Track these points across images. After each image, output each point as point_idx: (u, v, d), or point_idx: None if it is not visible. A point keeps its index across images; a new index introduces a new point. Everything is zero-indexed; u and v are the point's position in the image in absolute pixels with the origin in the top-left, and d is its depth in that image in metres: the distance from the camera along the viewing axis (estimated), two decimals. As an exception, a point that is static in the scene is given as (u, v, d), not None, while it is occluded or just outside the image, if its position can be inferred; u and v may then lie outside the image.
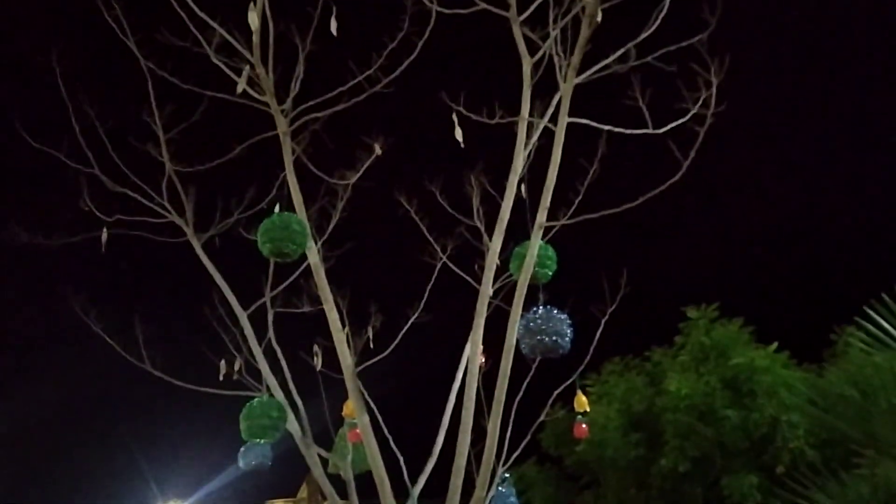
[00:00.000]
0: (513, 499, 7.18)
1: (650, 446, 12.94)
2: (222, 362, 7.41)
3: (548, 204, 6.12)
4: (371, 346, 7.46)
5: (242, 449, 7.08)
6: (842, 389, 4.57)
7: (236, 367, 7.48)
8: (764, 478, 11.34)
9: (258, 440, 6.46)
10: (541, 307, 5.74)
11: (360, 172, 7.34)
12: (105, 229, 7.04)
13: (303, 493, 7.21)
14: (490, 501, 6.74)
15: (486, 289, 6.52)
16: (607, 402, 13.42)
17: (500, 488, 7.03)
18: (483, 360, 6.66)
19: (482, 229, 7.42)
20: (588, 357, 7.52)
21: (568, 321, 5.69)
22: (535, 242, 6.04)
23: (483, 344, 6.55)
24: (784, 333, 12.99)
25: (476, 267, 7.28)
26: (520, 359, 6.30)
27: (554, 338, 5.50)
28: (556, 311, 5.69)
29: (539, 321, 5.57)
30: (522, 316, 5.82)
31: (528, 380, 7.26)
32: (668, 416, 12.48)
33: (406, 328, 7.89)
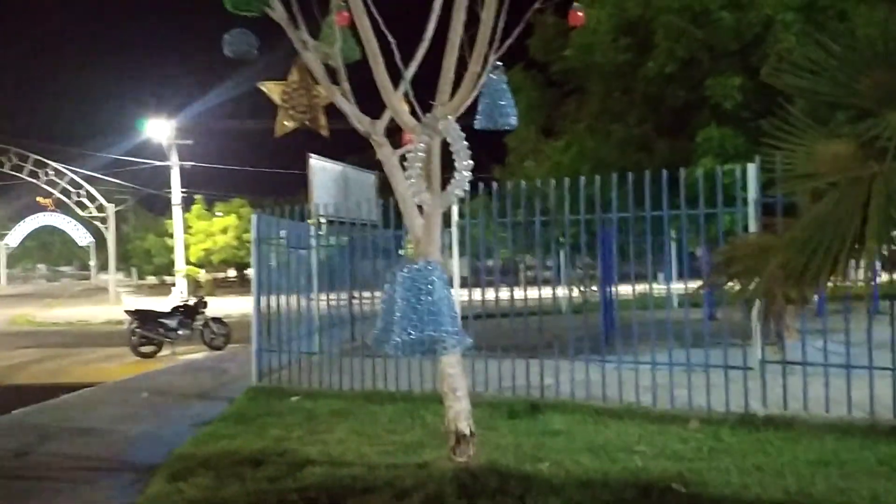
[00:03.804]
0: (504, 85, 7.18)
1: (639, 52, 12.83)
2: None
3: None
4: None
5: (227, 36, 6.84)
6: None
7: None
8: (747, 79, 11.47)
9: (241, 11, 6.16)
10: None
11: None
12: None
13: (293, 76, 7.10)
14: (482, 86, 6.77)
15: None
16: (599, 5, 12.96)
17: (491, 75, 7.01)
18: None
19: None
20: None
21: None
22: None
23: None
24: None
25: None
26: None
27: None
28: None
29: None
30: None
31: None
32: (661, 18, 12.19)
33: None
